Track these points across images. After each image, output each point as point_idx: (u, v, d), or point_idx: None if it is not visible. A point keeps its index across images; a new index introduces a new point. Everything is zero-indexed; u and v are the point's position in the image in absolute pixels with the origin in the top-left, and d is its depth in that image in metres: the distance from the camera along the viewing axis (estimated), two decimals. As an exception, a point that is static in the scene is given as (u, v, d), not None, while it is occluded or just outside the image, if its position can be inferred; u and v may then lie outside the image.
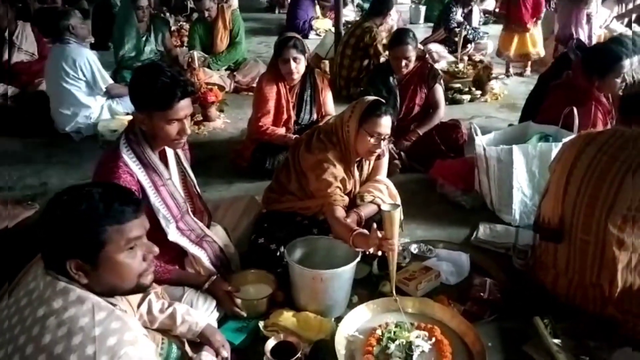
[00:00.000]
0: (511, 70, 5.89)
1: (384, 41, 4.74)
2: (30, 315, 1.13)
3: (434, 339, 1.80)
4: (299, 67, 3.20)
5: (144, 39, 4.98)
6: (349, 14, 7.76)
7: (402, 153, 3.42)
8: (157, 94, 1.84)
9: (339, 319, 1.99)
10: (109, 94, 4.06)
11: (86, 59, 3.88)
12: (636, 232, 1.92)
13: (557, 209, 2.11)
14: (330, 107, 3.49)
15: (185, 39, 6.53)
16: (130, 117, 3.95)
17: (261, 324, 1.98)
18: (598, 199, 1.97)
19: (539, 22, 5.62)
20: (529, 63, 5.85)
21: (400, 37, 3.48)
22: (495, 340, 2.00)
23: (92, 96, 3.99)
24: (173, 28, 6.83)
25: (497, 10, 7.04)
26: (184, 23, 7.44)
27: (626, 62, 2.75)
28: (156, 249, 1.30)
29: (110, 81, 4.08)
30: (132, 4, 4.82)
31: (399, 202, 2.40)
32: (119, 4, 6.26)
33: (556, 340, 1.93)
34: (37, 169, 3.47)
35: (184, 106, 1.89)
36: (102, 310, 1.13)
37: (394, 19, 6.03)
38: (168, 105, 1.85)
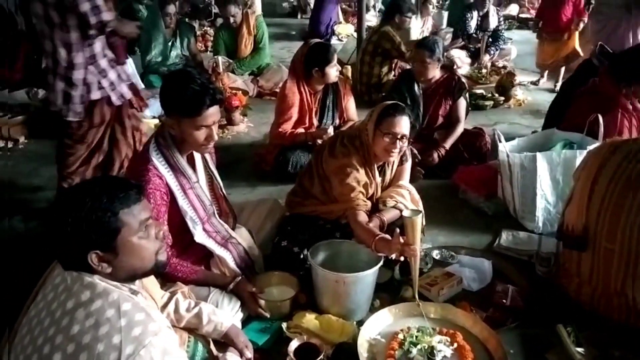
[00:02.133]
0: (543, 80, 5.77)
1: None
2: (59, 308, 1.18)
3: (455, 345, 1.81)
4: (337, 72, 3.33)
5: (170, 44, 5.08)
6: (371, 19, 7.79)
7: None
8: (186, 101, 1.89)
9: (360, 323, 2.01)
10: None
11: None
12: None
13: (581, 216, 2.10)
14: (353, 112, 3.52)
15: (210, 44, 6.66)
16: (157, 121, 4.07)
17: (284, 325, 2.02)
18: (623, 208, 1.96)
19: (580, 27, 5.30)
20: (562, 72, 5.59)
21: (423, 40, 3.56)
22: (517, 348, 1.99)
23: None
24: (198, 33, 6.95)
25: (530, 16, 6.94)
26: (209, 28, 7.57)
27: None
28: (165, 227, 1.34)
29: (142, 85, 4.19)
30: (160, 10, 4.94)
31: (421, 207, 2.42)
32: (142, 10, 6.42)
33: (579, 349, 1.92)
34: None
35: (213, 113, 1.94)
36: (127, 302, 1.17)
37: (412, 24, 6.03)
38: (197, 112, 1.90)
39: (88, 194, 1.20)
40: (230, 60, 5.19)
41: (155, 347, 1.12)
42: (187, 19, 6.96)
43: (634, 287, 1.97)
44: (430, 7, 6.69)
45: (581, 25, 5.27)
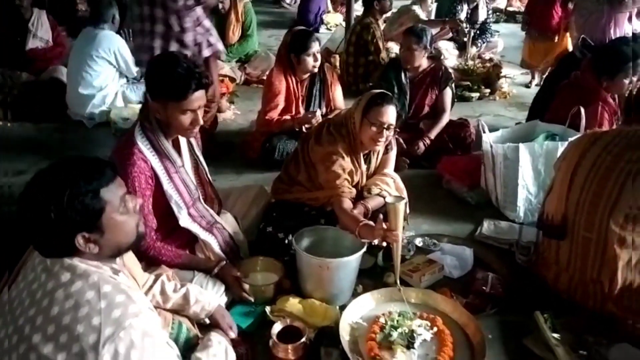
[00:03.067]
0: (536, 79, 5.52)
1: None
2: (39, 288, 1.18)
3: (435, 329, 1.85)
4: (318, 62, 3.28)
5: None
6: (360, 9, 7.75)
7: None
8: (172, 85, 1.89)
9: (343, 307, 2.03)
10: (134, 79, 4.24)
11: (121, 45, 4.08)
12: (637, 231, 1.95)
13: (561, 206, 2.15)
14: (340, 101, 3.53)
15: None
16: (141, 106, 4.04)
17: (268, 309, 2.04)
18: (601, 198, 2.01)
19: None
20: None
21: (408, 28, 3.60)
22: (495, 333, 2.04)
23: (113, 80, 4.12)
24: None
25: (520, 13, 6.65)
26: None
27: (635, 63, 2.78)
28: (140, 200, 1.36)
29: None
30: None
31: (405, 195, 2.45)
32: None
33: (555, 335, 1.96)
34: (50, 154, 3.53)
35: (198, 97, 1.94)
36: (107, 284, 1.18)
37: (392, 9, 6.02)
38: (183, 96, 1.90)
39: (64, 179, 1.18)
40: (218, 47, 5.15)
41: (135, 329, 1.13)
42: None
43: (602, 273, 2.03)
44: (430, 1, 6.68)
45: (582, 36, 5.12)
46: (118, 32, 4.87)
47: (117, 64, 4.10)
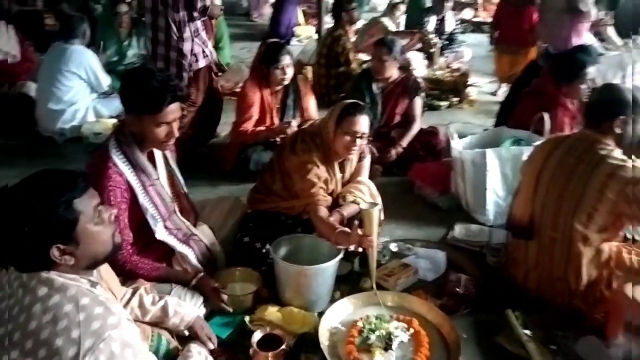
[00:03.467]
0: (503, 87, 5.41)
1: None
2: (16, 304, 1.18)
3: (412, 330, 1.90)
4: (289, 74, 3.32)
5: (126, 43, 5.02)
6: (331, 21, 7.88)
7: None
8: (147, 98, 1.90)
9: (321, 314, 2.06)
10: (104, 94, 4.21)
11: (91, 60, 4.06)
12: (592, 228, 2.05)
13: (528, 207, 2.24)
14: (313, 111, 3.58)
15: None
16: (114, 121, 4.02)
17: (247, 318, 2.06)
18: (565, 198, 2.11)
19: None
20: None
21: (380, 39, 3.69)
22: (469, 332, 2.11)
23: (84, 95, 4.09)
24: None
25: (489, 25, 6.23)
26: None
27: (591, 69, 2.92)
28: (115, 210, 1.37)
29: (109, 80, 4.19)
30: (111, 9, 4.89)
31: (379, 201, 2.51)
32: (98, 10, 6.29)
33: (527, 331, 2.04)
34: (20, 171, 3.41)
35: (173, 110, 1.96)
36: (85, 297, 1.18)
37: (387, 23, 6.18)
38: (158, 109, 1.91)
39: (36, 192, 1.18)
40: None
41: (115, 340, 1.14)
42: (143, 18, 6.85)
43: (568, 271, 2.12)
44: (398, 12, 6.84)
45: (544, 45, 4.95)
46: (89, 47, 4.86)
47: (88, 79, 4.07)
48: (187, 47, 3.40)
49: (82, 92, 4.08)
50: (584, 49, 3.18)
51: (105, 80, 4.15)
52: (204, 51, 3.50)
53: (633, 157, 2.05)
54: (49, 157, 3.75)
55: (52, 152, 3.85)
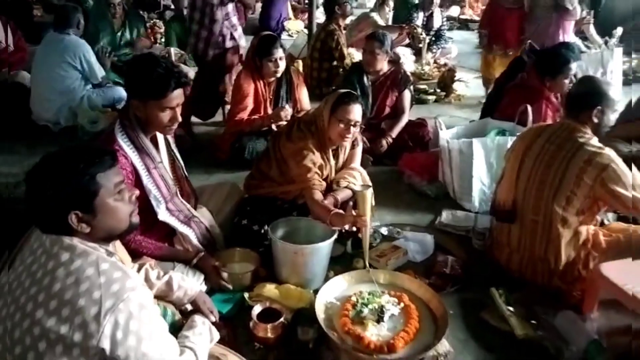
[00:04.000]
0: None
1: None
2: (39, 269, 1.27)
3: (402, 304, 2.01)
4: (282, 66, 3.41)
5: (119, 34, 5.05)
6: (321, 16, 7.97)
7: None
8: (152, 84, 1.99)
9: (316, 292, 2.16)
10: (99, 85, 4.23)
11: (86, 51, 4.07)
12: (570, 211, 2.19)
13: (511, 192, 2.38)
14: (306, 102, 3.69)
15: (159, 36, 6.61)
16: (108, 110, 4.08)
17: (246, 295, 2.16)
18: (546, 184, 2.25)
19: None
20: None
21: (372, 33, 3.81)
22: (456, 309, 2.24)
23: (78, 85, 4.10)
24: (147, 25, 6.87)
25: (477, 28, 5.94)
26: (157, 20, 7.48)
27: (573, 65, 3.08)
28: (137, 191, 1.46)
29: (104, 72, 4.22)
30: (104, 0, 4.92)
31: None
32: (89, 0, 6.30)
33: (509, 308, 2.18)
34: (19, 158, 3.52)
35: (177, 95, 2.05)
36: (105, 262, 1.27)
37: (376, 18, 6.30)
38: (162, 94, 2.00)
39: (67, 161, 1.29)
40: (183, 52, 5.21)
41: (133, 301, 1.23)
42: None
43: (548, 251, 2.26)
44: (387, 8, 6.95)
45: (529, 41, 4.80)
46: (82, 37, 4.90)
47: (83, 70, 4.10)
48: (216, 28, 3.84)
49: (77, 82, 4.11)
50: (566, 45, 3.32)
51: (100, 71, 4.19)
52: (232, 34, 3.94)
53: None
54: (45, 145, 3.78)
55: (49, 140, 3.88)
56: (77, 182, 1.28)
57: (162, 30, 6.16)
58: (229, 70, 4.14)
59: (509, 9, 5.01)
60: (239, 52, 4.14)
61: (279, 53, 3.38)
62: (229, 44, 3.99)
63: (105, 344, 1.19)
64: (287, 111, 3.34)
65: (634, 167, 2.18)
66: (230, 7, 3.94)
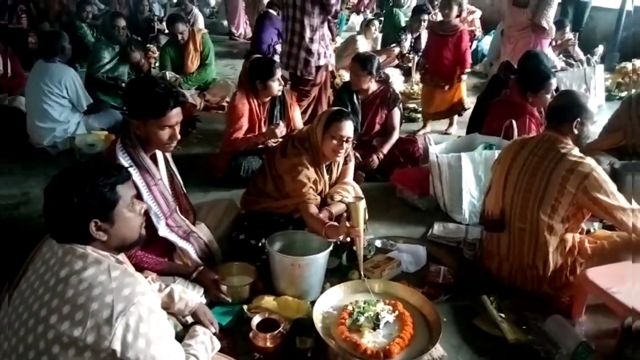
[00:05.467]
0: (428, 127, 4.93)
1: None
2: (52, 277, 1.33)
3: (397, 312, 2.08)
4: (281, 86, 3.57)
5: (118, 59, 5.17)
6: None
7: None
8: (151, 103, 2.08)
9: (313, 303, 2.22)
10: (87, 111, 4.25)
11: (71, 78, 4.08)
12: (556, 219, 2.28)
13: (498, 202, 2.47)
14: (299, 121, 3.80)
15: (152, 61, 6.75)
16: (106, 133, 4.15)
17: (245, 307, 2.22)
18: (531, 192, 2.34)
19: (464, 77, 4.68)
20: (455, 118, 4.90)
21: (357, 55, 3.96)
22: (449, 316, 2.31)
23: (72, 113, 4.15)
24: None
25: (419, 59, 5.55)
26: (152, 45, 7.63)
27: (553, 80, 3.22)
28: (145, 205, 1.56)
29: (90, 100, 4.26)
30: (110, 23, 5.05)
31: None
32: (84, 28, 6.46)
33: (501, 314, 2.26)
34: (17, 180, 3.59)
35: (175, 114, 2.14)
36: (116, 270, 1.35)
37: (360, 44, 6.50)
38: (162, 113, 2.09)
39: (88, 173, 1.39)
40: (177, 76, 5.34)
41: (143, 305, 1.31)
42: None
43: (536, 259, 2.35)
44: (373, 28, 7.15)
45: (464, 77, 4.67)
46: (72, 63, 5.03)
47: (70, 97, 4.09)
48: (314, 47, 4.10)
49: (68, 111, 4.11)
50: (538, 58, 3.49)
51: (85, 100, 4.18)
52: (325, 52, 4.21)
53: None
54: (43, 167, 3.84)
55: (46, 163, 3.93)
56: (100, 193, 1.37)
57: (156, 55, 6.28)
58: (320, 84, 4.40)
59: (443, 36, 4.64)
60: (329, 68, 4.47)
61: (279, 72, 3.55)
62: (322, 61, 4.23)
63: (117, 346, 1.25)
64: (281, 128, 3.45)
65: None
66: (326, 28, 4.22)
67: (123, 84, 4.77)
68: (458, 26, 4.65)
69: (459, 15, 4.81)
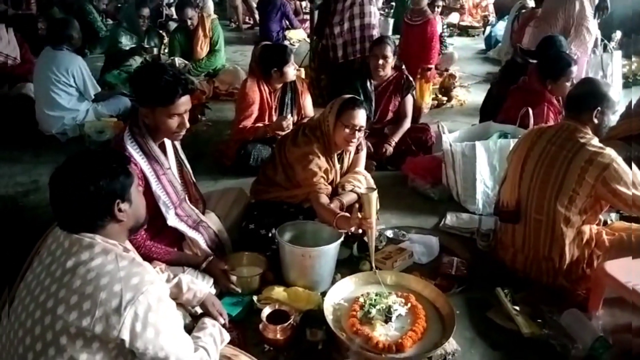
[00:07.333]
0: None
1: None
2: (58, 268, 1.31)
3: (409, 305, 2.04)
4: (296, 71, 3.54)
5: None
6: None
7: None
8: (160, 91, 2.04)
9: (324, 294, 2.19)
10: (96, 99, 4.22)
11: (79, 67, 4.05)
12: (574, 211, 2.22)
13: (514, 193, 2.41)
14: (310, 109, 3.73)
15: (162, 47, 6.72)
16: (115, 119, 4.13)
17: (255, 298, 2.19)
18: (548, 183, 2.28)
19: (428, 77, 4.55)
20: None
21: (381, 37, 3.88)
22: (462, 308, 2.27)
23: (80, 101, 4.12)
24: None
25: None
26: (160, 30, 7.59)
27: (574, 68, 3.12)
28: (141, 188, 1.61)
29: (98, 88, 4.24)
30: (136, 12, 5.12)
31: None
32: (94, 13, 6.43)
33: (515, 307, 2.21)
34: (26, 168, 3.59)
35: (184, 102, 2.10)
36: (124, 259, 1.33)
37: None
38: (170, 101, 2.05)
39: (99, 161, 1.40)
40: (187, 62, 5.29)
41: (152, 294, 1.29)
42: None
43: (552, 251, 2.29)
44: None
45: (428, 75, 4.50)
46: (81, 50, 5.03)
47: (77, 86, 4.06)
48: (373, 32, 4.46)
49: (75, 99, 4.09)
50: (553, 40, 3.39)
51: (93, 88, 4.15)
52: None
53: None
54: (52, 154, 3.84)
55: (56, 150, 3.92)
56: (117, 174, 1.39)
57: (166, 40, 6.24)
58: None
59: (411, 26, 4.54)
60: None
61: (292, 57, 3.51)
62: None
63: (126, 335, 1.24)
64: (288, 121, 3.39)
65: (634, 166, 2.21)
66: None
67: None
68: (426, 14, 4.42)
69: (431, 3, 4.62)
